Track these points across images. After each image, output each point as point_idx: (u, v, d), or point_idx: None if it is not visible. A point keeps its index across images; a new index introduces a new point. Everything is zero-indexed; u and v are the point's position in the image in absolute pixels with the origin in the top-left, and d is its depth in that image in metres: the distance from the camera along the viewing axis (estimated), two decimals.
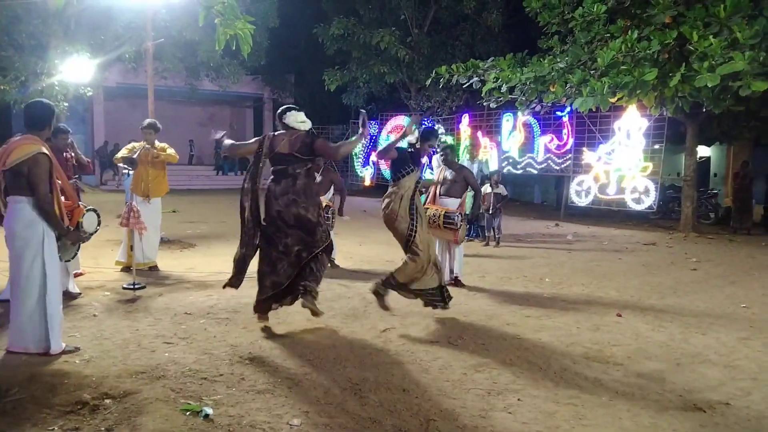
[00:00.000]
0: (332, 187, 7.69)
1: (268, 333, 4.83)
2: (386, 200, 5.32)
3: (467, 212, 7.51)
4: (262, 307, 4.96)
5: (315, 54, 21.95)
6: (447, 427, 3.25)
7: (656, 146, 12.95)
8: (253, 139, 5.23)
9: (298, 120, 4.93)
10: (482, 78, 9.43)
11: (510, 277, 7.53)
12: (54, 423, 3.14)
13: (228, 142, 5.25)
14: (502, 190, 10.39)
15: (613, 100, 9.08)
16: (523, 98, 9.54)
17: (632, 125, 12.47)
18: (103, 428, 3.10)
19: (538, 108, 9.87)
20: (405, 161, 5.33)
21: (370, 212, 14.57)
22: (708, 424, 3.39)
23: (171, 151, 7.32)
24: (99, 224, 4.83)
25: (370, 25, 19.03)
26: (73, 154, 6.60)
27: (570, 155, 14.22)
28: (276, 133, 5.01)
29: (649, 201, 12.53)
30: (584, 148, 13.75)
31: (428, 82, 9.00)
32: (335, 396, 3.62)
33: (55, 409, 3.30)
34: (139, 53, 15.31)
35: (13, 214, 4.07)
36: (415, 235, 5.18)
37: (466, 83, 9.19)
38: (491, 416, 3.42)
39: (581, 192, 13.78)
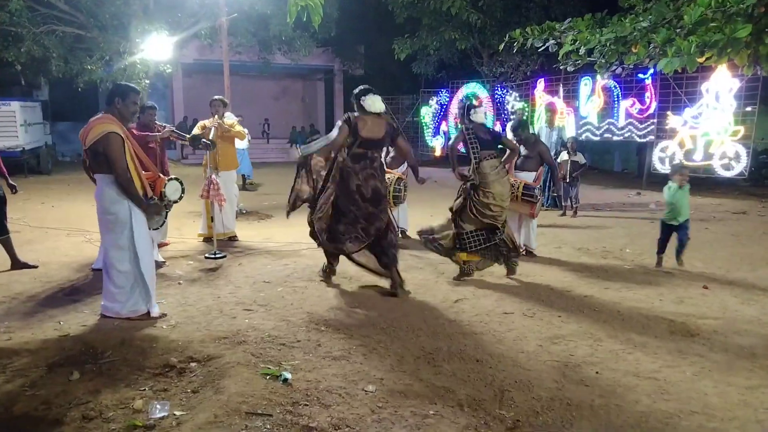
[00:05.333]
0: (406, 161, 7.65)
1: (343, 301, 4.92)
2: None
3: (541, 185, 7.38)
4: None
5: (384, 23, 21.71)
6: (522, 398, 3.22)
7: (748, 108, 12.05)
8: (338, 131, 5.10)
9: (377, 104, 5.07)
10: (559, 41, 8.99)
11: (588, 248, 7.31)
12: (145, 384, 3.34)
13: (314, 147, 5.29)
14: (580, 158, 10.02)
15: (701, 60, 8.46)
16: (603, 60, 9.07)
17: (722, 86, 11.64)
18: (189, 390, 3.27)
19: (618, 70, 9.35)
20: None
21: (441, 182, 14.46)
22: None
23: (239, 128, 7.66)
24: (183, 192, 5.02)
25: None
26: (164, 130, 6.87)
27: (653, 120, 13.51)
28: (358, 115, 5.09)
29: (739, 167, 11.75)
30: (668, 112, 12.99)
31: (501, 46, 8.68)
32: (409, 364, 3.65)
33: (146, 371, 3.51)
34: (214, 29, 15.68)
35: (101, 190, 4.30)
36: None
37: (541, 47, 8.81)
38: (568, 389, 3.36)
39: (665, 159, 13.08)
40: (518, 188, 6.42)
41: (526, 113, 15.09)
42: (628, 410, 3.11)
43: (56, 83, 18.87)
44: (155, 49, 14.42)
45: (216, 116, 7.30)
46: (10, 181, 6.16)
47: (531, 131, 8.42)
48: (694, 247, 7.35)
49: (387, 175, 7.07)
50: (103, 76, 15.72)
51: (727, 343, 4.09)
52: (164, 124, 7.08)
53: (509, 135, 7.66)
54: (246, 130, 8.76)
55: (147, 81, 15.92)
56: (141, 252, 4.33)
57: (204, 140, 6.81)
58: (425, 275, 5.89)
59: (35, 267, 5.99)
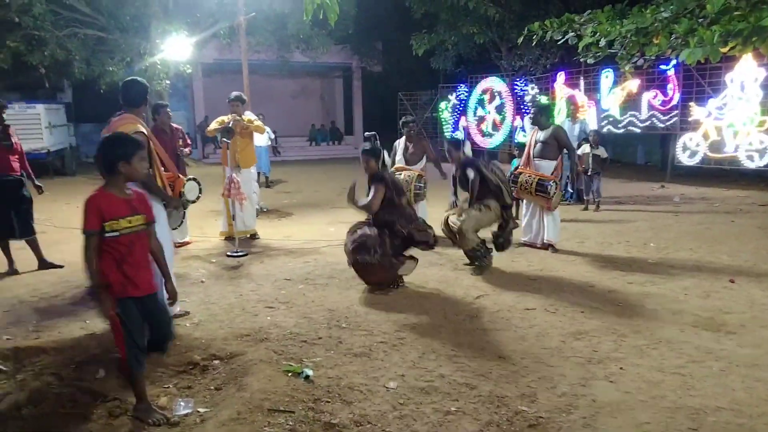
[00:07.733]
0: (425, 157, 7.62)
1: (364, 298, 4.93)
2: None
3: (564, 174, 7.29)
4: None
5: (402, 19, 21.67)
6: (545, 395, 3.19)
7: None
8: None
9: None
10: (578, 33, 8.88)
11: (611, 242, 7.22)
12: (169, 381, 3.38)
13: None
14: (601, 152, 9.88)
15: (724, 49, 8.28)
16: (624, 52, 8.94)
17: (747, 76, 11.41)
18: (212, 387, 3.30)
19: (640, 62, 9.22)
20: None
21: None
22: None
23: (258, 123, 7.66)
24: (201, 191, 5.07)
25: None
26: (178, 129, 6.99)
27: (676, 111, 13.29)
28: None
29: (766, 158, 11.52)
30: (692, 104, 12.78)
31: (520, 40, 8.61)
32: (430, 361, 3.65)
33: (170, 368, 3.55)
34: (233, 29, 15.78)
35: None
36: None
37: (560, 39, 8.73)
38: (592, 384, 3.32)
39: (689, 151, 12.87)
40: (531, 184, 6.42)
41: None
42: (653, 406, 3.07)
43: (79, 85, 19.12)
44: (175, 49, 14.56)
45: (234, 114, 7.31)
46: (36, 182, 6.26)
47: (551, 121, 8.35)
48: (720, 239, 7.23)
49: (407, 173, 7.09)
50: (125, 78, 15.89)
51: (754, 338, 4.01)
52: (179, 126, 7.17)
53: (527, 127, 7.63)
54: (267, 128, 8.79)
55: (167, 81, 16.08)
56: (163, 249, 4.36)
57: (226, 129, 6.87)
58: (445, 271, 5.87)
59: (61, 267, 6.10)
